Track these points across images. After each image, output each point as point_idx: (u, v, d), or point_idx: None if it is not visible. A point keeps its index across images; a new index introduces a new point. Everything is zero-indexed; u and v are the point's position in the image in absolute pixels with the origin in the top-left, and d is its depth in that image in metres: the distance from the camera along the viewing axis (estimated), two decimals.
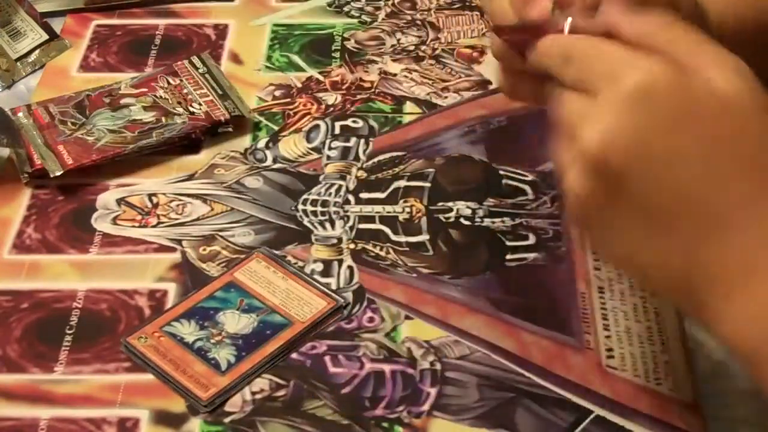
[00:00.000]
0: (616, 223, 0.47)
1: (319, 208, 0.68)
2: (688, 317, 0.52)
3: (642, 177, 0.46)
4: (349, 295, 0.62)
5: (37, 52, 0.81)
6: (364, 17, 0.85)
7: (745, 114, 0.46)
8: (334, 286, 0.63)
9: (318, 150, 0.73)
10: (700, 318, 0.48)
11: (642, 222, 0.46)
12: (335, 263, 0.64)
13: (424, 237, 0.66)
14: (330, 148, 0.73)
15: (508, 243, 0.66)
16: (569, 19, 0.49)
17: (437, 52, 0.81)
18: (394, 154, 0.72)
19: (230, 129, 0.74)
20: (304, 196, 0.69)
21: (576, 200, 0.47)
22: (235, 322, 0.60)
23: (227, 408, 0.56)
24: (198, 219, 0.68)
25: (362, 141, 0.73)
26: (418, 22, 0.85)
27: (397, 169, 0.71)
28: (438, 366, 0.59)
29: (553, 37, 0.49)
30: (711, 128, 0.46)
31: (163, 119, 0.73)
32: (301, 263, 0.64)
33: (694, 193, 0.46)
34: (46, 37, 0.82)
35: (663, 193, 0.46)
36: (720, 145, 0.46)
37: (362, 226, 0.67)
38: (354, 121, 0.75)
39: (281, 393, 0.57)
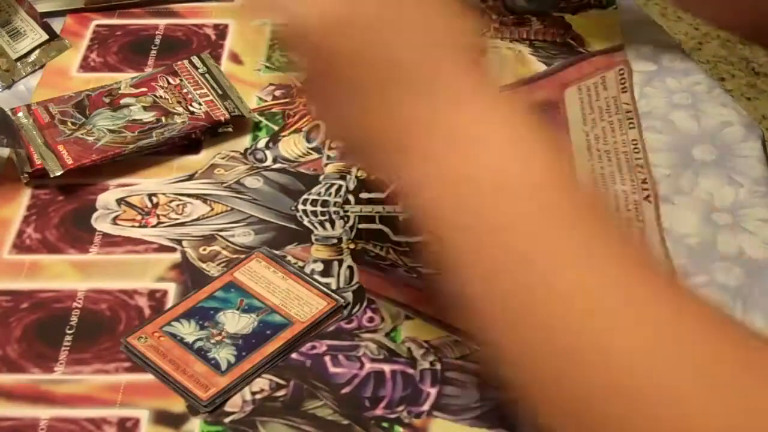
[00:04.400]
0: (336, 89, 0.51)
1: (319, 208, 0.68)
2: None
3: (358, 45, 0.49)
4: (349, 295, 0.62)
5: (37, 52, 0.81)
6: None
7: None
8: (334, 286, 0.63)
9: (318, 150, 0.73)
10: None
11: (356, 86, 0.50)
12: (335, 263, 0.64)
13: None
14: (330, 148, 0.73)
15: None
16: None
17: None
18: None
19: (230, 129, 0.74)
20: (304, 196, 0.69)
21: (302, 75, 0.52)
22: (235, 322, 0.60)
23: (227, 408, 0.56)
24: (198, 219, 0.68)
25: None
26: None
27: None
28: (438, 366, 0.59)
29: None
30: (412, 5, 0.50)
31: (163, 119, 0.73)
32: (301, 263, 0.64)
33: (398, 59, 0.49)
34: (46, 37, 0.82)
35: (375, 58, 0.49)
36: (421, 17, 0.50)
37: (362, 225, 0.67)
38: None
39: (281, 393, 0.57)
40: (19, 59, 0.81)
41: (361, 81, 0.49)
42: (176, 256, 0.65)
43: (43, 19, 0.83)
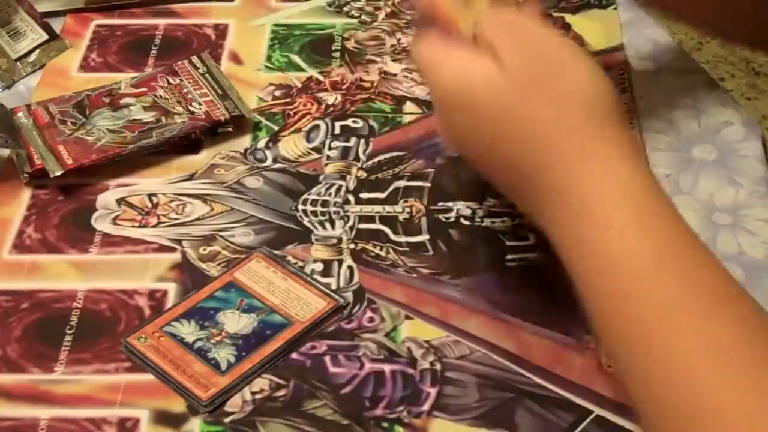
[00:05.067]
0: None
1: (319, 208, 0.68)
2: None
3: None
4: (349, 295, 0.62)
5: (37, 52, 0.81)
6: (364, 17, 0.85)
7: None
8: (334, 286, 0.63)
9: (318, 150, 0.73)
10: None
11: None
12: (335, 263, 0.64)
13: (424, 237, 0.66)
14: (330, 148, 0.73)
15: (508, 243, 0.65)
16: None
17: None
18: (394, 154, 0.72)
19: (230, 129, 0.74)
20: (304, 196, 0.69)
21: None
22: (235, 322, 0.60)
23: (227, 408, 0.57)
24: (198, 219, 0.68)
25: (362, 141, 0.73)
26: None
27: (397, 169, 0.71)
28: (438, 366, 0.59)
29: None
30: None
31: (163, 119, 0.73)
32: (301, 263, 0.64)
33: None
34: (46, 37, 0.82)
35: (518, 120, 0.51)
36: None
37: (362, 226, 0.67)
38: (354, 121, 0.75)
39: (281, 393, 0.57)
40: (19, 59, 0.81)
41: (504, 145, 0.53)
42: (176, 256, 0.65)
43: (43, 19, 0.83)
